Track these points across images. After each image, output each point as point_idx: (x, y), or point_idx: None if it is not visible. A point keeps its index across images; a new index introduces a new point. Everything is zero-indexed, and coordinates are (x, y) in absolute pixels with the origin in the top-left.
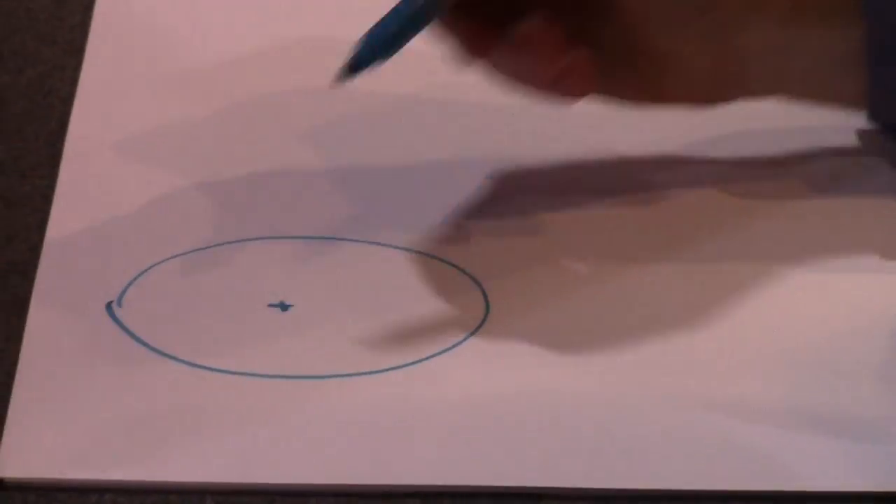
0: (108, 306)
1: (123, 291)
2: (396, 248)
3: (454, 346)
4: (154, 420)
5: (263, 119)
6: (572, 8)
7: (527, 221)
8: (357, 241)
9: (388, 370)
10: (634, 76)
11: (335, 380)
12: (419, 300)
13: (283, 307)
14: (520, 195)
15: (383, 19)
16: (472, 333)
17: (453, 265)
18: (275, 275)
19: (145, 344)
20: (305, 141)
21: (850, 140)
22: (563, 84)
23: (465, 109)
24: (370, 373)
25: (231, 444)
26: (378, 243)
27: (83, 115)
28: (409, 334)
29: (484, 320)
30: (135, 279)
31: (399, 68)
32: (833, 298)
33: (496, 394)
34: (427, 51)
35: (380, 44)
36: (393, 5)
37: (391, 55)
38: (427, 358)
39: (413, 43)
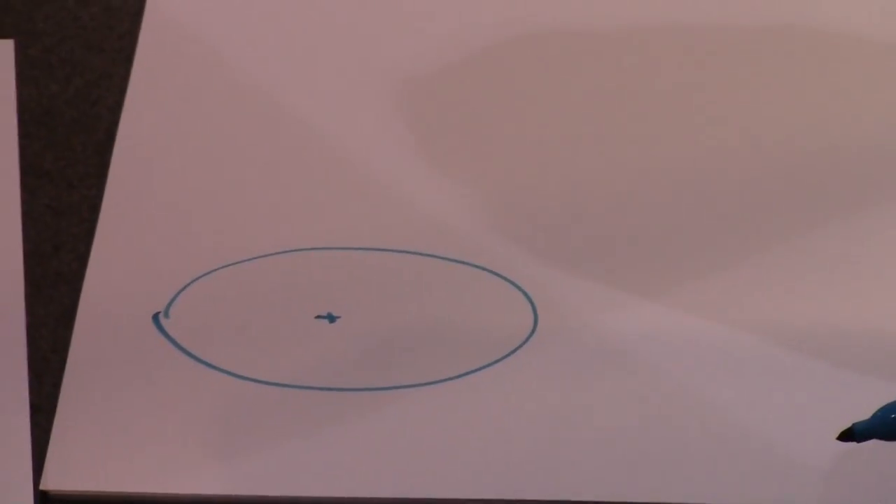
0: (155, 317)
1: (170, 303)
2: (443, 258)
3: (500, 360)
4: (199, 432)
5: (308, 130)
6: None
7: (579, 236)
8: (403, 251)
9: (433, 383)
10: None
11: (382, 392)
12: (466, 312)
13: (331, 319)
14: (570, 209)
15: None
16: (520, 347)
17: (502, 277)
18: (322, 286)
19: (192, 355)
20: (351, 151)
21: None
22: None
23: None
24: (416, 385)
25: (276, 456)
26: (425, 254)
27: (131, 124)
28: (455, 347)
29: (532, 333)
30: (182, 290)
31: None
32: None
33: (541, 408)
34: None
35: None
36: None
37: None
38: (473, 371)
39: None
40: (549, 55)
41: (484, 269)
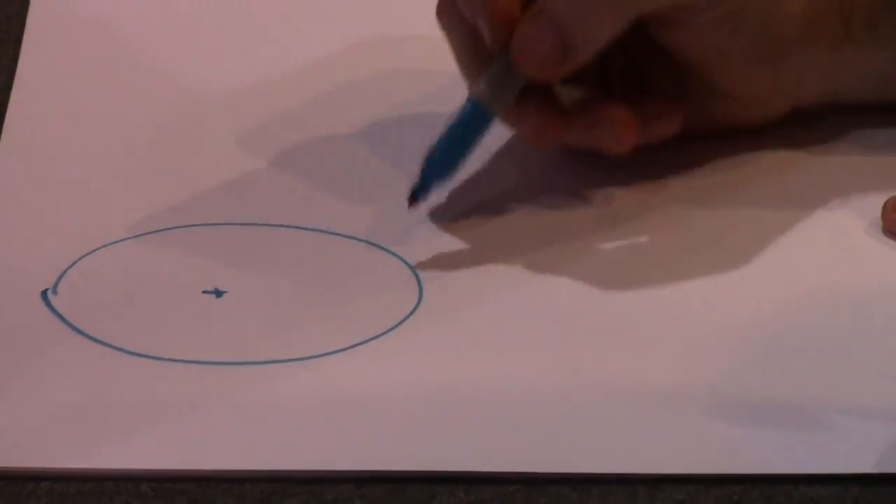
0: (44, 294)
1: (58, 279)
2: (330, 233)
3: (385, 333)
4: (90, 408)
5: (197, 111)
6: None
7: (466, 211)
8: (290, 226)
9: (319, 356)
10: (694, 113)
11: (269, 366)
12: (351, 286)
13: (218, 293)
14: (462, 186)
15: (440, 141)
16: (404, 321)
17: (387, 250)
18: (208, 262)
19: (81, 332)
20: (238, 131)
21: None
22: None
23: (409, 100)
24: (302, 359)
25: (166, 430)
26: (311, 229)
27: (19, 105)
28: (339, 321)
29: (416, 307)
30: (70, 267)
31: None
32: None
33: (427, 379)
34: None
35: (441, 169)
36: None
37: (453, 172)
38: (357, 344)
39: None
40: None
41: (368, 242)
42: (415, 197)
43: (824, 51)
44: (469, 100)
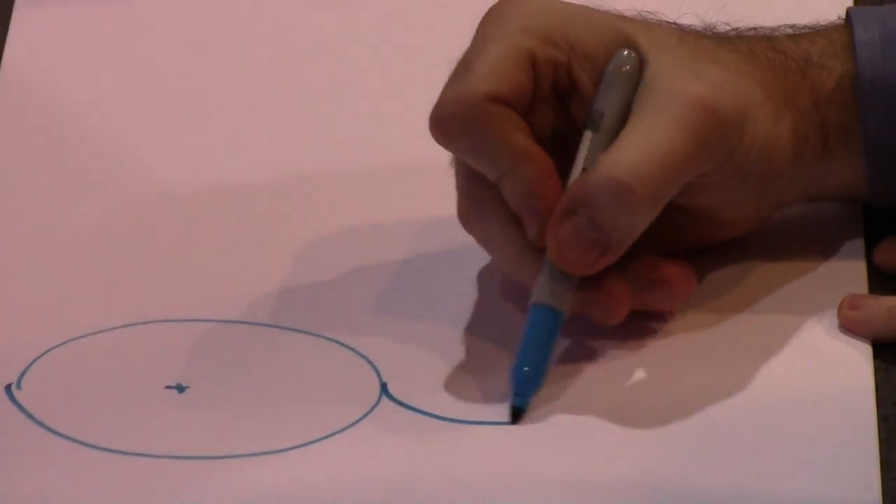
0: (7, 389)
1: (22, 374)
2: (291, 329)
3: (345, 429)
4: (53, 501)
5: (163, 207)
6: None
7: (424, 304)
8: (252, 323)
9: (281, 451)
10: (683, 239)
11: (230, 460)
12: (313, 382)
13: (181, 389)
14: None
15: (523, 356)
16: (364, 416)
17: (347, 346)
18: (172, 357)
19: (45, 426)
20: (202, 227)
21: None
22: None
23: (373, 200)
24: (264, 453)
25: None
26: (274, 326)
27: None
28: (301, 415)
29: (377, 402)
30: (33, 362)
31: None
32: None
33: (385, 473)
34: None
35: (533, 377)
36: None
37: (544, 379)
38: (318, 440)
39: None
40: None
41: (330, 339)
42: (517, 414)
43: (808, 165)
44: (534, 305)
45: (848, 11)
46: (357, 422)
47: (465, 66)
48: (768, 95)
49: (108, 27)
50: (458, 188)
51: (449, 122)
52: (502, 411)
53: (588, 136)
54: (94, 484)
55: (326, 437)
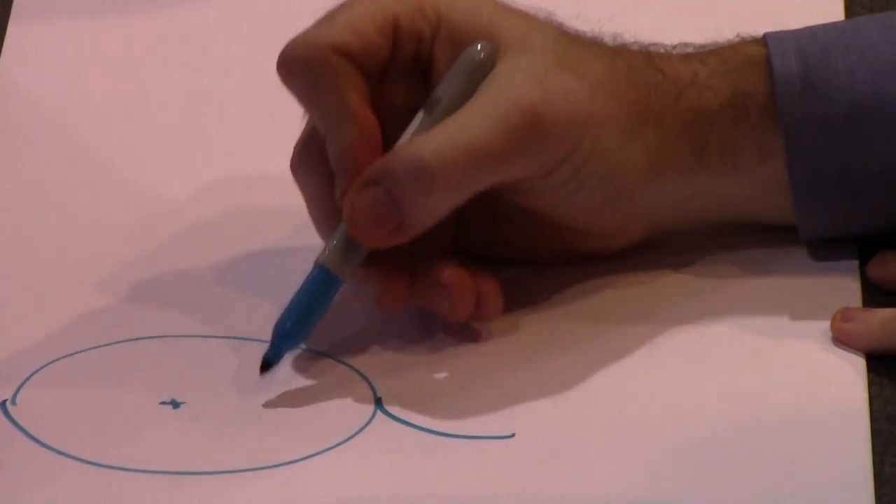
0: (2, 405)
1: (17, 390)
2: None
3: (340, 444)
4: None
5: (156, 221)
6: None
7: (418, 319)
8: (247, 339)
9: (276, 466)
10: (549, 249)
11: (225, 475)
12: (309, 397)
13: (175, 405)
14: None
15: (290, 309)
16: (360, 431)
17: (343, 363)
18: (166, 373)
19: (40, 442)
20: (195, 242)
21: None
22: (477, 313)
23: None
24: (259, 468)
25: None
26: (268, 342)
27: None
28: (295, 431)
29: (372, 417)
30: (28, 378)
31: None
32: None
33: (381, 489)
34: None
35: (292, 337)
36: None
37: (305, 338)
38: (312, 455)
39: None
40: None
41: (324, 354)
42: (267, 365)
43: (674, 182)
44: (316, 266)
45: (764, 37)
46: (352, 437)
47: (329, 15)
48: (624, 112)
49: (103, 40)
50: (299, 137)
51: (292, 63)
52: (498, 426)
53: (419, 116)
54: (90, 499)
55: (322, 451)
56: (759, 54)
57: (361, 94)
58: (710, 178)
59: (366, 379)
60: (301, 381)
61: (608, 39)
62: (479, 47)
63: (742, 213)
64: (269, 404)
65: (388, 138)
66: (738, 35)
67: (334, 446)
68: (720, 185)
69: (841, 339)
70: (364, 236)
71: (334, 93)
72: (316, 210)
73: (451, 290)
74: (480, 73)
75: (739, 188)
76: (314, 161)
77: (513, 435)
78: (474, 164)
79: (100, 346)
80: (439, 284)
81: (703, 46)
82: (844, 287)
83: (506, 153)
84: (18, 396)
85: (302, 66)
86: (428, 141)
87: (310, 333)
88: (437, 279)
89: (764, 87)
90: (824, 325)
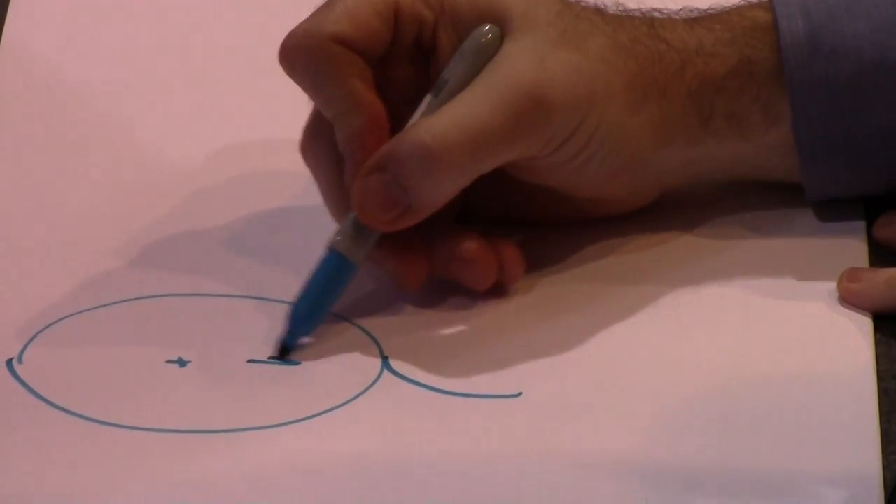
0: (9, 363)
1: (23, 349)
2: (292, 303)
3: (347, 402)
4: (55, 476)
5: (160, 181)
6: (493, 200)
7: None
8: (253, 297)
9: (283, 424)
10: (562, 213)
11: (231, 434)
12: (315, 356)
13: (182, 363)
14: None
15: (304, 294)
16: (368, 389)
17: (350, 321)
18: (172, 331)
19: (46, 400)
20: (201, 201)
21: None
22: (500, 279)
23: None
24: (265, 427)
25: (130, 498)
26: (275, 300)
27: None
28: (302, 389)
29: (378, 376)
30: (34, 337)
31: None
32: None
33: (390, 446)
34: None
35: (307, 322)
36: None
37: (320, 322)
38: (322, 413)
39: None
40: None
41: (331, 313)
42: (284, 350)
43: (681, 149)
44: (329, 250)
45: (770, 1)
46: (359, 395)
47: (329, 3)
48: (628, 85)
49: (107, 4)
50: (307, 121)
51: (293, 54)
52: (504, 385)
53: (427, 99)
54: (96, 458)
55: (328, 410)
56: (766, 19)
57: (365, 80)
58: (717, 144)
59: (373, 338)
60: (308, 341)
61: (611, 7)
62: (485, 29)
63: (750, 174)
64: (275, 363)
65: (397, 121)
66: None
67: (341, 405)
68: (728, 149)
69: (847, 300)
70: (374, 221)
71: (338, 82)
72: (328, 193)
73: (473, 263)
74: (486, 54)
75: (747, 152)
76: (323, 145)
77: (520, 394)
78: (477, 146)
79: (106, 305)
80: (460, 258)
81: (707, 10)
82: (851, 248)
83: (508, 134)
84: (24, 355)
85: (303, 58)
86: (431, 124)
87: (325, 317)
88: (458, 253)
89: (770, 52)
90: (831, 286)
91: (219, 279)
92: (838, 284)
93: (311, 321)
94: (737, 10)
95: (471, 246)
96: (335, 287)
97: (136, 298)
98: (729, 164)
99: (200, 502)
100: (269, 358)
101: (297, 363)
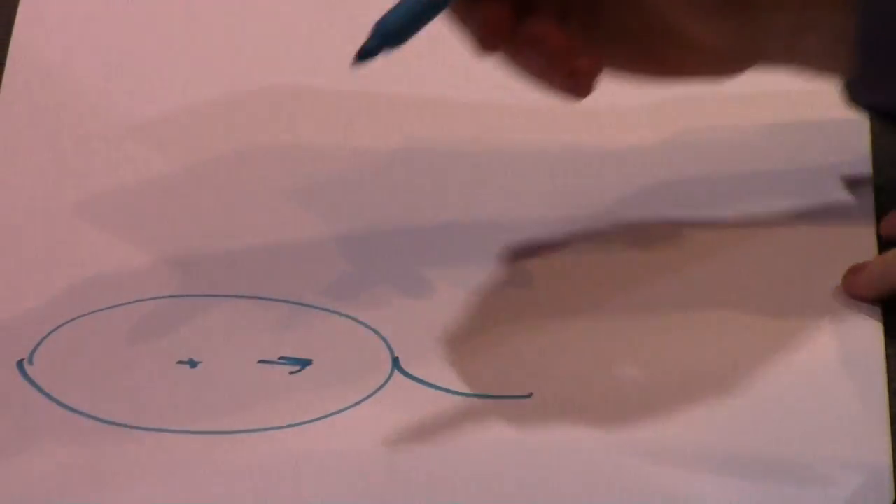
0: (20, 364)
1: (34, 349)
2: (303, 305)
3: (359, 403)
4: (65, 477)
5: (173, 181)
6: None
7: (436, 279)
8: (264, 298)
9: (293, 426)
10: (648, 54)
11: (242, 435)
12: (326, 357)
13: (192, 364)
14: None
15: (397, 6)
16: (378, 390)
17: (361, 322)
18: (183, 332)
19: (56, 401)
20: (215, 202)
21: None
22: (572, 82)
23: (392, 176)
24: (276, 428)
25: (140, 499)
26: (285, 301)
27: None
28: (313, 391)
29: (390, 377)
30: (45, 338)
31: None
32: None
33: (401, 447)
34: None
35: (392, 32)
36: None
37: (404, 42)
38: (333, 413)
39: None
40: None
41: (342, 314)
42: (364, 55)
43: (792, 10)
44: None
45: None
46: (369, 396)
47: None
48: None
49: (116, 9)
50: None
51: None
52: (515, 386)
53: None
54: (106, 459)
55: (339, 411)
56: None
57: None
58: (821, 15)
59: (383, 339)
60: (318, 342)
61: None
62: None
63: (840, 64)
64: (286, 364)
65: None
66: None
67: (351, 406)
68: (830, 22)
69: (849, 292)
70: None
71: None
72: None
73: (546, 45)
74: None
75: (844, 30)
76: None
77: (531, 395)
78: None
79: (116, 306)
80: (537, 39)
81: None
82: (860, 247)
83: None
84: (35, 356)
85: None
86: None
87: (408, 40)
88: (536, 32)
89: None
90: (839, 284)
91: (230, 280)
92: (842, 281)
93: (399, 36)
94: None
95: (549, 29)
96: (427, 12)
97: (147, 299)
98: (825, 45)
99: (212, 503)
100: (356, 56)
101: (308, 361)
